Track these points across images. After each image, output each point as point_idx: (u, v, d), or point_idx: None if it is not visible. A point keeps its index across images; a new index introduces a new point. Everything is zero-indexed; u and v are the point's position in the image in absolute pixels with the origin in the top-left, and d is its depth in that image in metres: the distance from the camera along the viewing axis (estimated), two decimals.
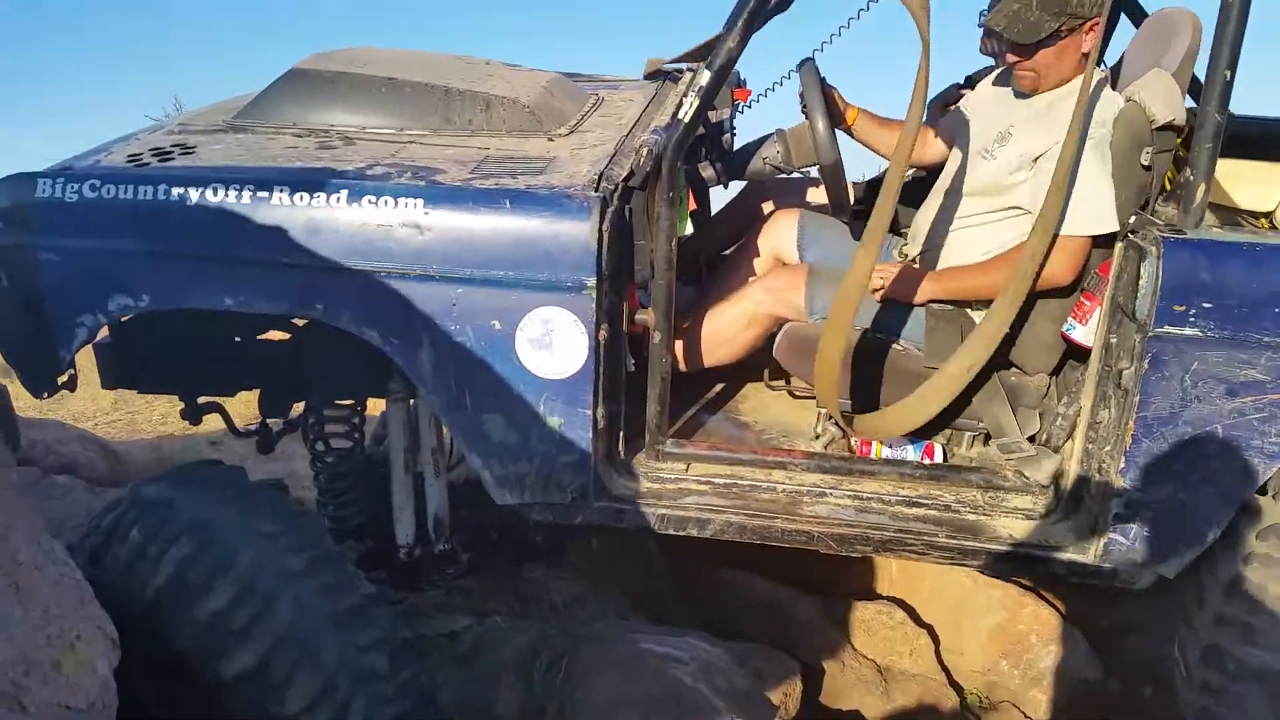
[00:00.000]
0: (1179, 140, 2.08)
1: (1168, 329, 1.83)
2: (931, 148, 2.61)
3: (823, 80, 2.34)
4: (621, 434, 2.15)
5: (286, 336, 2.45)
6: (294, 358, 2.42)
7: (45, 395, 2.08)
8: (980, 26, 2.32)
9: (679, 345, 2.39)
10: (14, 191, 1.96)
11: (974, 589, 2.99)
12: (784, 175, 2.48)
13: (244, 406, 2.80)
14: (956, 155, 2.42)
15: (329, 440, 2.51)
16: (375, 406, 2.75)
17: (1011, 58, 2.17)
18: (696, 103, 1.99)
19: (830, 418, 2.29)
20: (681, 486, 2.16)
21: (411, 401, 2.35)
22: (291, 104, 2.34)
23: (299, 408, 2.59)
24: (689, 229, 2.20)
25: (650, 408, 2.13)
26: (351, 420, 2.52)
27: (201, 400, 2.50)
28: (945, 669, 2.91)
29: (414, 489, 2.41)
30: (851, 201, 2.47)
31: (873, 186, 2.89)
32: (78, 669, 1.42)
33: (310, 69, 2.37)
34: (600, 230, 1.89)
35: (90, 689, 1.42)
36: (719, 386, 2.63)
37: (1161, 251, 1.83)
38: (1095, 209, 2.02)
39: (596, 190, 1.93)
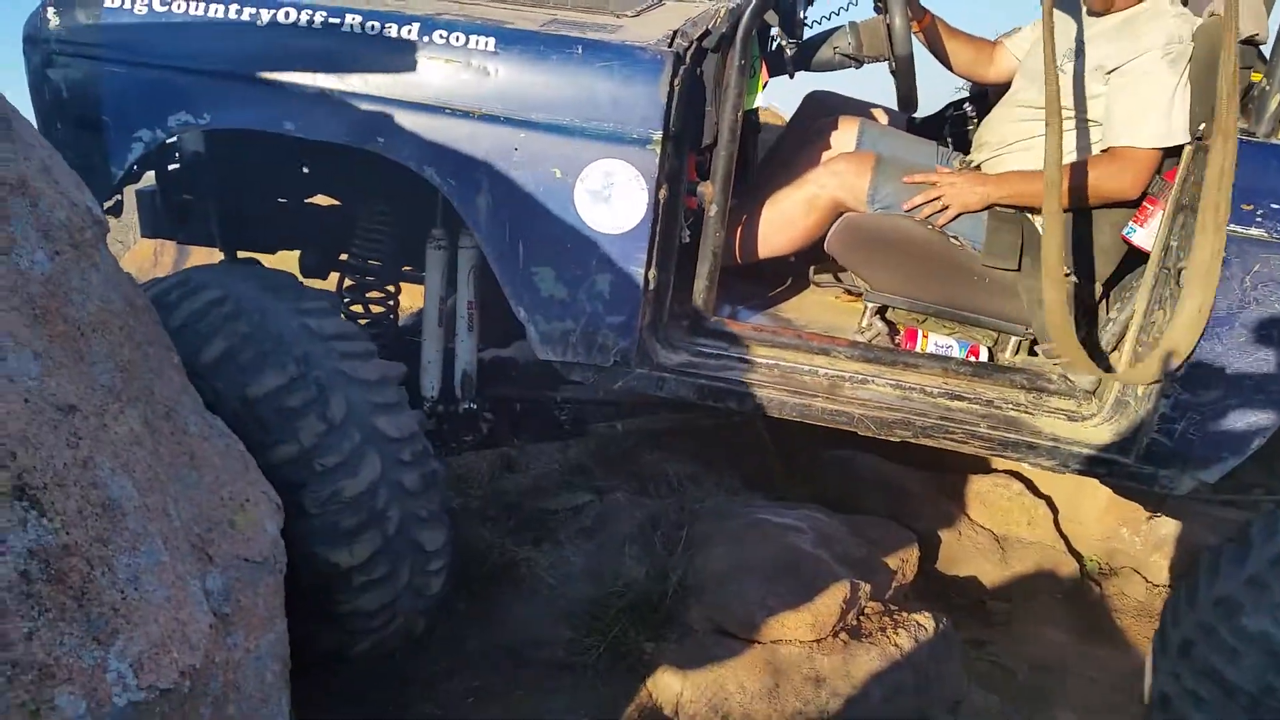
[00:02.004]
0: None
1: (1234, 228, 1.81)
2: (995, 67, 2.60)
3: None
4: (669, 306, 2.13)
5: (331, 203, 2.47)
6: (338, 220, 2.45)
7: None
8: None
9: (736, 237, 2.36)
10: (83, 5, 1.96)
11: None
12: (853, 67, 2.41)
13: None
14: (1023, 71, 2.41)
15: (366, 305, 2.50)
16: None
17: None
18: None
19: (877, 312, 2.28)
20: (724, 362, 2.15)
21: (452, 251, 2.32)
22: None
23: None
24: (759, 100, 2.17)
25: (699, 282, 2.11)
26: (387, 288, 2.53)
27: (241, 255, 2.52)
28: (1064, 537, 2.92)
29: (444, 345, 2.35)
30: (918, 102, 2.44)
31: (956, 107, 2.87)
32: (250, 527, 1.55)
33: None
34: (671, 86, 1.87)
35: (263, 545, 1.55)
36: (764, 286, 2.56)
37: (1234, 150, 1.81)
38: (1167, 123, 2.03)
39: (670, 46, 1.90)
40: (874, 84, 2.54)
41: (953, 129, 2.84)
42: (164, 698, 1.15)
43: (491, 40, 1.90)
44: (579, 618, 2.35)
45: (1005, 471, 3.11)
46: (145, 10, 1.95)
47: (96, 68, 1.97)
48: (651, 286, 2.02)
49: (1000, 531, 2.93)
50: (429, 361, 2.33)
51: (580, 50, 1.90)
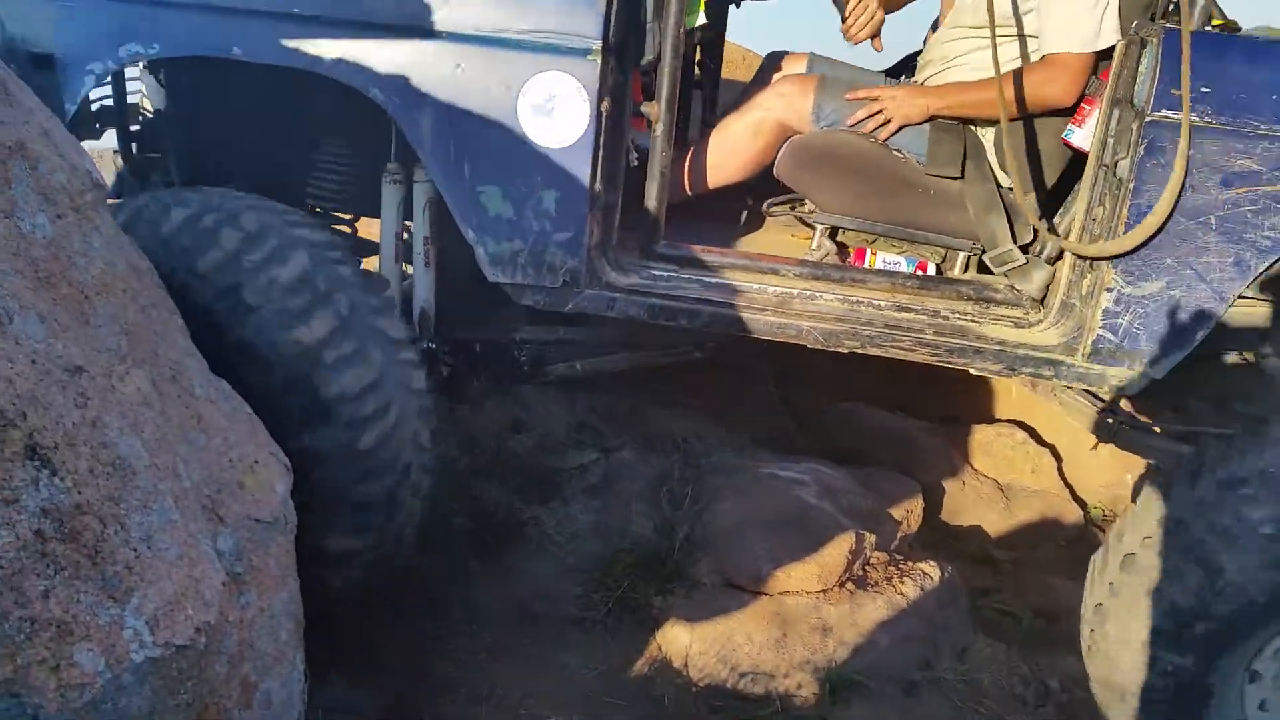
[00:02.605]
0: None
1: (1165, 113, 1.83)
2: None
3: None
4: (618, 229, 2.14)
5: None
6: (297, 165, 2.48)
7: None
8: None
9: (685, 167, 2.39)
10: None
11: None
12: None
13: None
14: None
15: None
16: None
17: None
18: None
19: (827, 234, 2.30)
20: (674, 283, 2.16)
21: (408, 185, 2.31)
22: None
23: None
24: (701, 19, 2.19)
25: (649, 202, 2.12)
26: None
27: None
28: (1068, 485, 2.94)
29: (401, 279, 2.38)
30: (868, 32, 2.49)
31: (911, 58, 2.83)
32: (260, 488, 1.56)
33: None
34: None
35: (273, 506, 1.56)
36: (719, 222, 2.56)
37: (1163, 38, 1.84)
38: (1096, 26, 2.05)
39: None
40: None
41: (910, 77, 2.84)
42: (180, 654, 1.17)
43: None
44: (588, 574, 2.37)
45: (1009, 421, 3.12)
46: None
47: (47, 6, 2.01)
48: (598, 203, 2.04)
49: (1004, 480, 2.95)
50: None
51: None
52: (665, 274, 2.16)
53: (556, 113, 1.94)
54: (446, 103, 1.96)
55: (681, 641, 2.18)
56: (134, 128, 2.44)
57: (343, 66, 1.96)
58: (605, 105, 1.95)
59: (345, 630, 1.98)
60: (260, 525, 1.52)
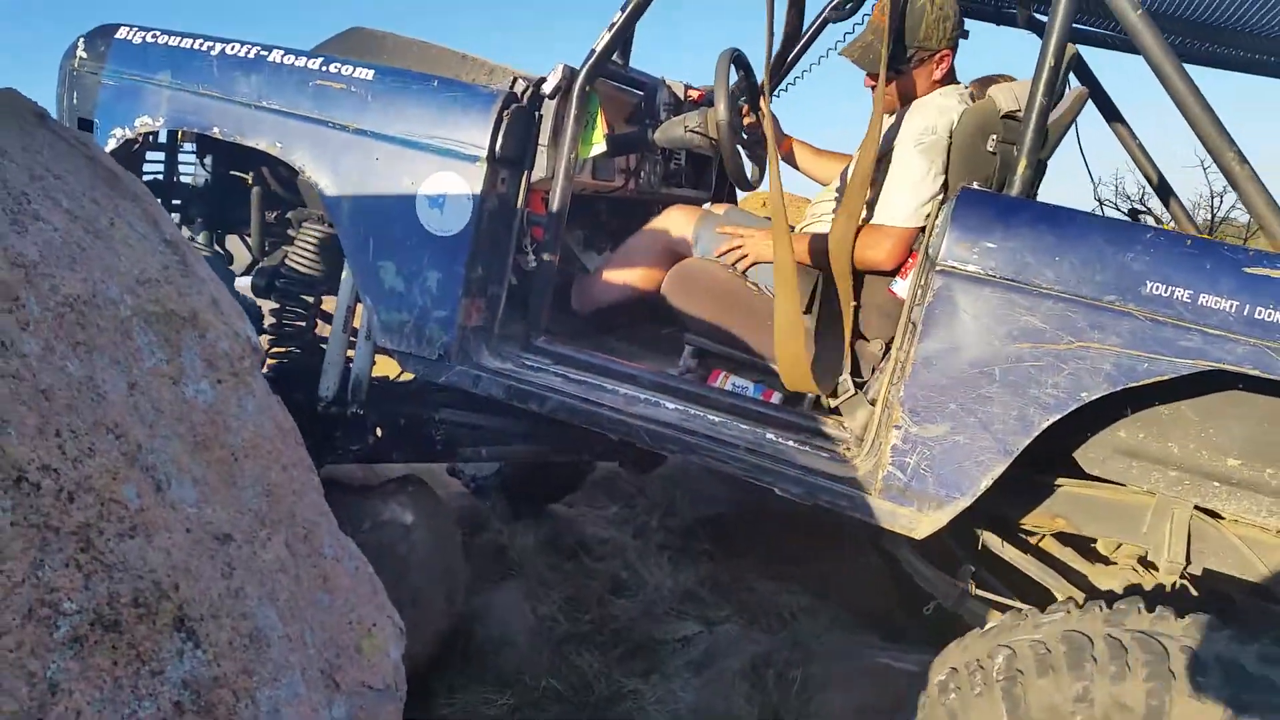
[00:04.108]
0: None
1: (953, 264, 1.90)
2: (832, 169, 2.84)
3: (758, 96, 2.66)
4: (499, 318, 2.38)
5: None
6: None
7: None
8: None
9: (577, 288, 2.70)
10: (102, 33, 2.60)
11: None
12: (700, 145, 2.61)
13: None
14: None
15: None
16: None
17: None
18: (608, 35, 2.29)
19: (695, 354, 2.44)
20: (540, 373, 2.35)
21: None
22: (338, 48, 2.77)
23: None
24: (597, 149, 2.45)
25: (532, 300, 2.39)
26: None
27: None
28: None
29: (345, 349, 2.57)
30: (750, 177, 2.75)
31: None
32: (375, 653, 1.56)
33: (366, 27, 2.86)
34: (500, 115, 2.22)
35: (386, 672, 1.55)
36: (613, 336, 2.76)
37: (956, 195, 1.95)
38: (913, 205, 2.28)
39: (511, 89, 2.29)
40: None
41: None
42: None
43: (370, 72, 2.35)
44: None
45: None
46: (140, 41, 2.56)
47: (99, 79, 2.57)
48: (476, 288, 2.29)
49: None
50: (330, 363, 2.55)
51: (436, 84, 2.31)
52: (536, 365, 2.37)
53: (446, 206, 2.26)
54: (363, 188, 2.32)
55: None
56: (175, 201, 2.84)
57: (291, 149, 2.36)
58: (489, 206, 2.24)
59: None
60: (372, 693, 1.51)
